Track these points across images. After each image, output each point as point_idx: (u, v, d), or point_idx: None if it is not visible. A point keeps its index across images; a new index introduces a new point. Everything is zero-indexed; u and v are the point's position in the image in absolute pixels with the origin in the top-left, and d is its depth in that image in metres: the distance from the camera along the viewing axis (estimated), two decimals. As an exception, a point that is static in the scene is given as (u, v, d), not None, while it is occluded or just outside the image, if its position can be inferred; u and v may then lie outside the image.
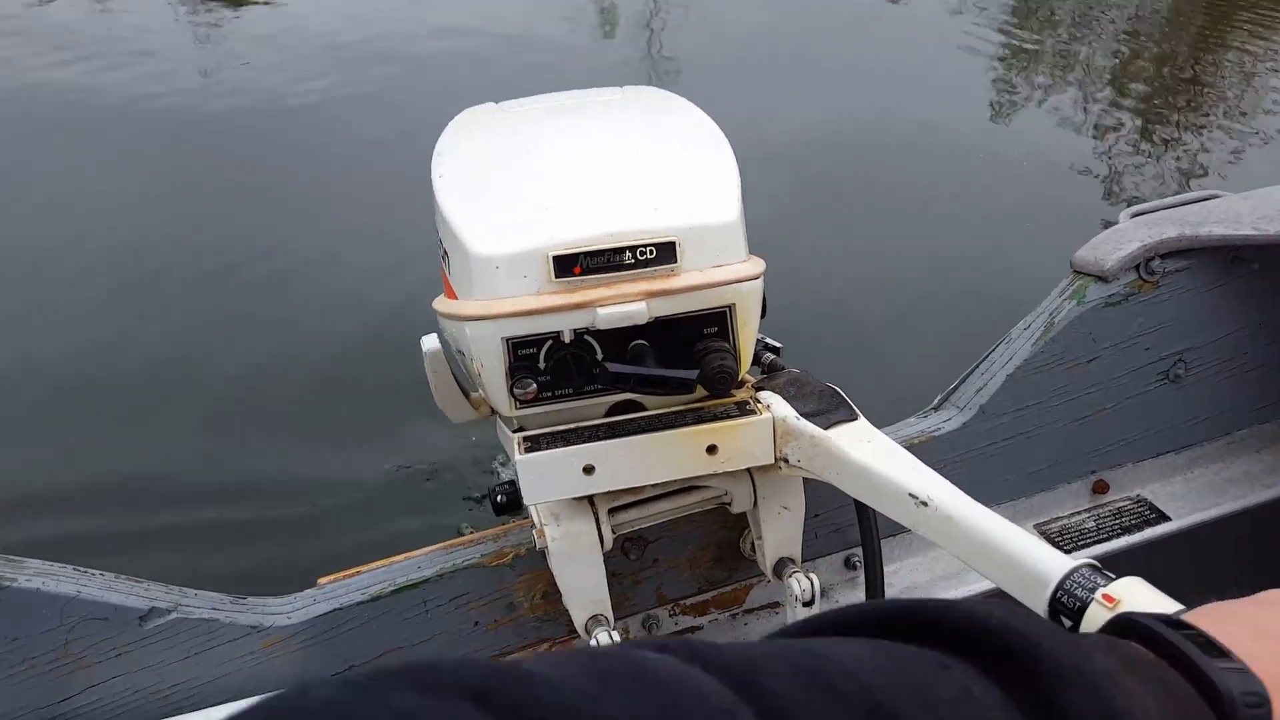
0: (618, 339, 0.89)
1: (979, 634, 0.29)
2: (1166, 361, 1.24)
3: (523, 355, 0.89)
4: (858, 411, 0.93)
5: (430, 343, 1.02)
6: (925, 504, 0.80)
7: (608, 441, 0.90)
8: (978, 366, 1.19)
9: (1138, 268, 1.17)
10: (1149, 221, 1.23)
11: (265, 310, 2.93)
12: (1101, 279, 1.17)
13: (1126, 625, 0.33)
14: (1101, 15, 6.76)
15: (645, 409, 0.94)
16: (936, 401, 1.20)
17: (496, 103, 1.11)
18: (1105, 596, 0.64)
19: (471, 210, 0.90)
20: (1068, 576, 0.67)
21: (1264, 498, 1.28)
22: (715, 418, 0.92)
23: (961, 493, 0.80)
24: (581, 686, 0.23)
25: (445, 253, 0.94)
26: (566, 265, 0.85)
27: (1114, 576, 0.65)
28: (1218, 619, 0.34)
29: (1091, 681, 0.27)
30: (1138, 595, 0.63)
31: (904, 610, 0.31)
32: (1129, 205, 1.34)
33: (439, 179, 0.96)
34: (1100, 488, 1.25)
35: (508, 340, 0.88)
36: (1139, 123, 4.78)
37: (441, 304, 0.97)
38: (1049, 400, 1.19)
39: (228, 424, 2.51)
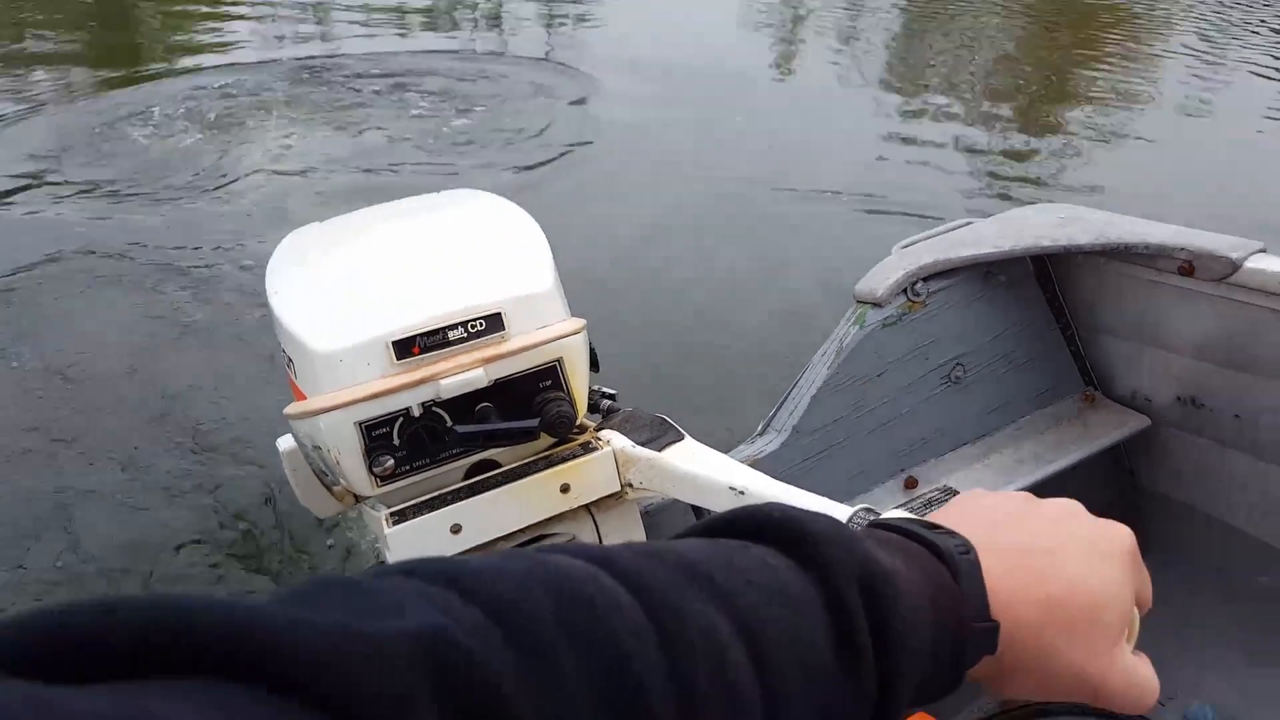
0: (464, 405, 0.98)
1: (772, 526, 0.40)
2: (946, 367, 1.45)
3: (377, 436, 0.97)
4: (684, 433, 1.06)
5: (285, 443, 1.08)
6: (743, 492, 0.93)
7: (470, 500, 0.98)
8: (789, 393, 1.35)
9: (905, 291, 1.38)
10: (913, 251, 1.44)
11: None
12: (877, 305, 1.36)
13: (880, 526, 0.46)
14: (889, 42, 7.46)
15: (501, 465, 1.04)
16: (760, 428, 1.35)
17: (320, 222, 1.21)
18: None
19: (309, 315, 0.99)
20: (850, 518, 0.81)
21: (1050, 471, 1.48)
22: (564, 460, 1.02)
23: (768, 477, 0.94)
24: (512, 573, 0.31)
25: (290, 360, 1.02)
26: (405, 347, 0.95)
27: (880, 513, 0.79)
28: (948, 514, 0.48)
29: (848, 542, 0.39)
30: (899, 516, 0.77)
31: (726, 520, 0.42)
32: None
33: (275, 295, 1.04)
34: (910, 483, 1.42)
35: (360, 424, 0.95)
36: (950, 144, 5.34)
37: (293, 408, 1.03)
38: (851, 414, 1.36)
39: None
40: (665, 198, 4.38)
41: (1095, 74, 6.56)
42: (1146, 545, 1.49)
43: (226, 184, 4.64)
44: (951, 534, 0.43)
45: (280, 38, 7.07)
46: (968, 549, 0.42)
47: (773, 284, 3.61)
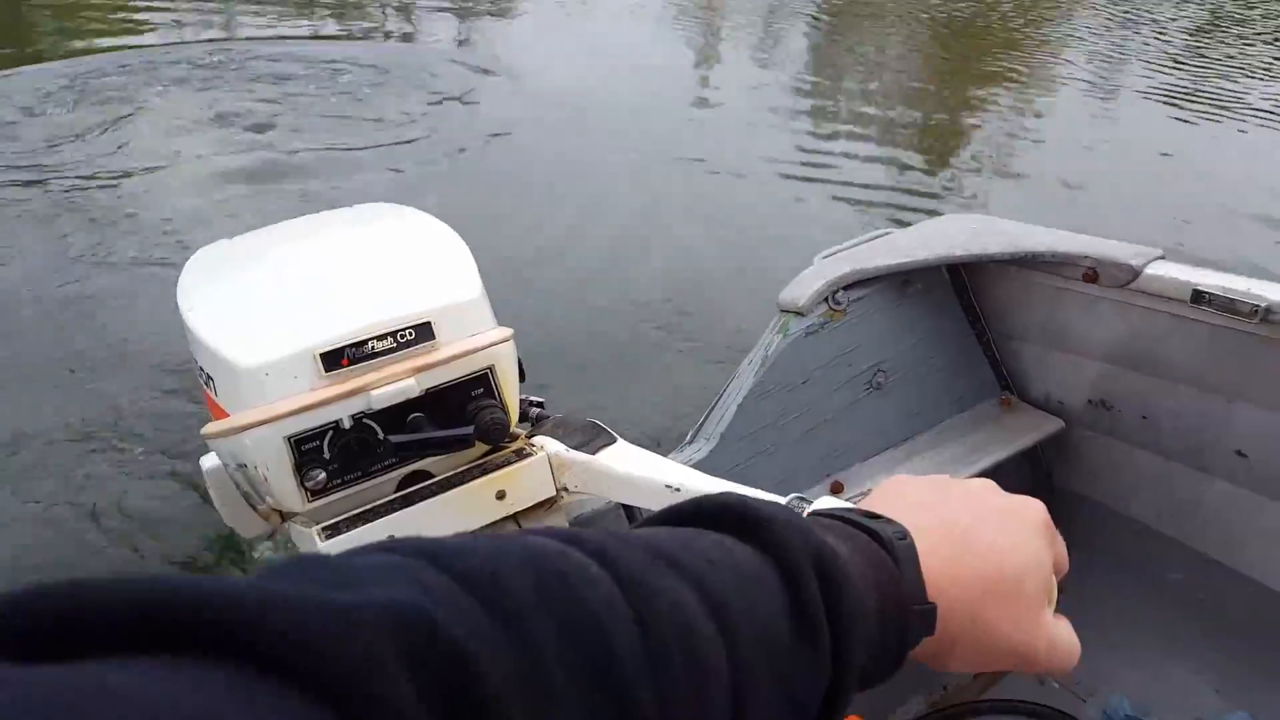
0: (397, 416, 0.98)
1: (726, 513, 0.42)
2: (867, 374, 1.49)
3: (307, 450, 0.95)
4: (616, 435, 1.07)
5: (209, 460, 1.05)
6: (678, 489, 0.94)
7: (404, 511, 0.97)
8: (717, 401, 1.38)
9: (826, 300, 1.42)
10: (833, 261, 1.48)
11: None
12: (799, 313, 1.40)
13: (825, 515, 0.47)
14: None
15: (433, 475, 1.03)
16: (690, 436, 1.37)
17: (230, 239, 1.19)
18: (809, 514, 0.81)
19: (230, 330, 0.97)
20: (786, 503, 0.83)
21: (971, 473, 1.53)
22: (498, 467, 1.02)
23: (701, 473, 0.95)
24: (486, 548, 0.32)
25: (209, 377, 1.00)
26: (334, 359, 0.94)
27: (812, 501, 0.81)
28: (873, 501, 0.50)
29: (799, 526, 0.41)
30: (832, 504, 0.79)
31: (679, 510, 0.43)
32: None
33: (190, 311, 1.02)
34: (836, 488, 1.46)
35: (289, 438, 0.94)
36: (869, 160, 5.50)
37: (213, 426, 1.01)
38: (777, 420, 1.39)
39: None
40: (568, 211, 4.40)
41: (995, 90, 6.87)
42: (1071, 546, 1.55)
43: (113, 171, 4.56)
44: (889, 521, 0.45)
45: (180, 24, 7.07)
46: (904, 535, 0.44)
47: (699, 294, 3.67)
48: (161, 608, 0.22)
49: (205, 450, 1.08)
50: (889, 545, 0.43)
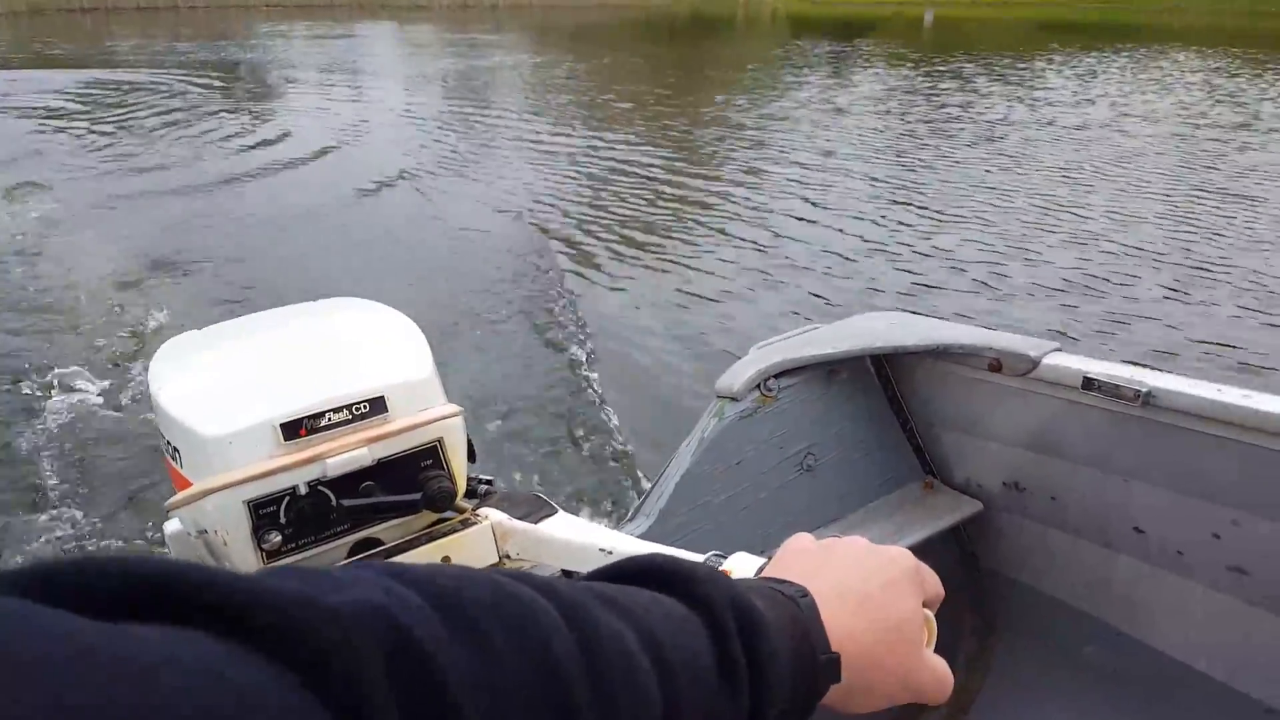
0: (350, 484, 1.06)
1: (654, 570, 0.45)
2: (798, 456, 1.59)
3: (264, 514, 1.03)
4: (557, 507, 1.15)
5: (173, 525, 1.12)
6: (610, 551, 1.02)
7: None
8: (657, 481, 1.47)
9: (758, 387, 1.53)
10: (766, 351, 1.60)
11: None
12: (734, 399, 1.51)
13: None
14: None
15: (384, 543, 1.10)
16: (630, 513, 1.45)
17: (200, 329, 1.29)
18: (724, 570, 0.89)
19: (197, 405, 1.06)
20: (704, 559, 0.91)
21: None
22: (445, 534, 1.10)
23: (632, 538, 1.04)
24: (450, 571, 0.36)
25: (175, 450, 1.07)
26: (293, 429, 1.03)
27: (727, 557, 0.89)
28: (775, 566, 0.57)
29: (721, 582, 0.45)
30: (740, 561, 0.87)
31: (610, 570, 0.47)
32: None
33: (160, 392, 1.11)
34: None
35: (248, 503, 1.01)
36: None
37: (179, 496, 1.08)
38: (713, 499, 1.48)
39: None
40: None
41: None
42: (992, 622, 1.67)
43: None
44: (793, 584, 0.51)
45: None
46: (805, 593, 0.50)
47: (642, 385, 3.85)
48: (172, 584, 0.26)
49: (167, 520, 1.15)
50: (795, 603, 0.49)
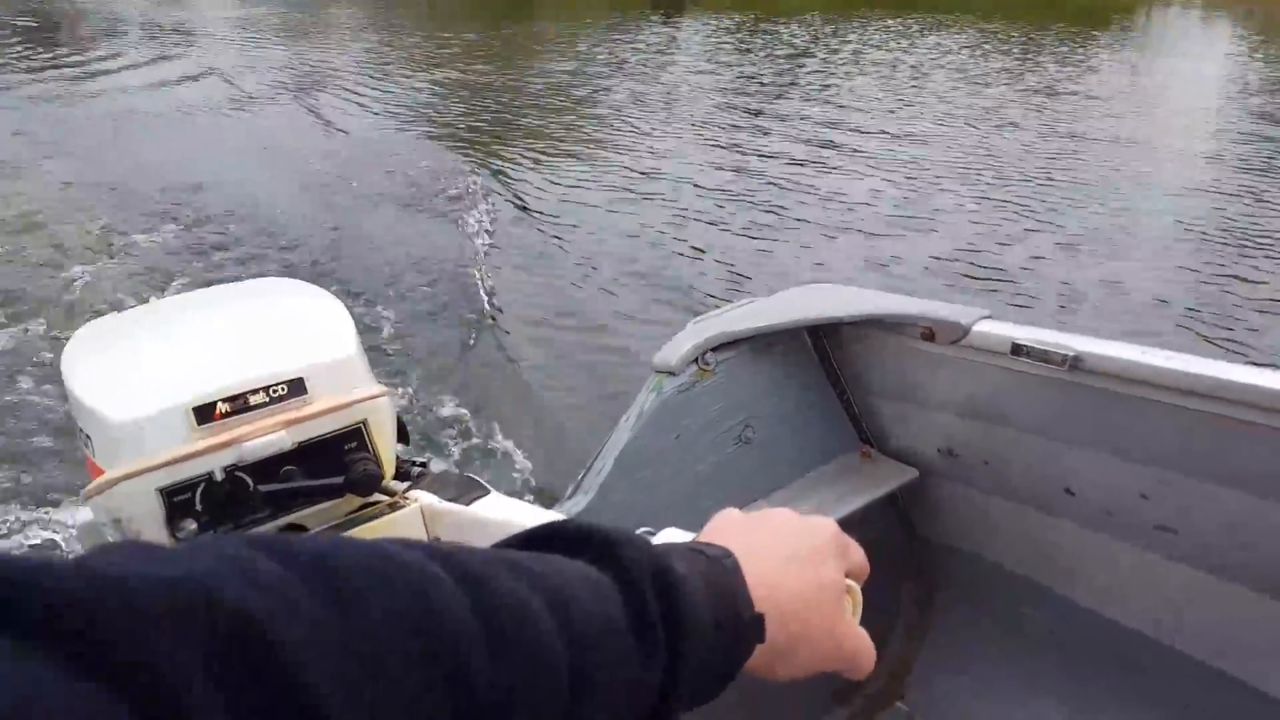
0: (270, 469, 1.03)
1: (567, 535, 0.45)
2: (736, 429, 1.59)
3: (178, 502, 0.99)
4: (490, 488, 1.13)
5: (84, 515, 1.08)
6: None
7: None
8: (595, 457, 1.45)
9: (696, 361, 1.52)
10: (703, 325, 1.60)
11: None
12: (671, 373, 1.50)
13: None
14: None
15: (309, 529, 1.07)
16: (570, 491, 1.43)
17: (118, 312, 1.24)
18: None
19: (108, 390, 1.02)
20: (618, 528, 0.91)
21: (834, 519, 1.63)
22: (372, 519, 1.08)
23: (564, 516, 1.02)
24: (323, 539, 0.34)
25: (88, 437, 1.03)
26: (206, 413, 0.99)
27: (657, 533, 0.89)
28: (707, 537, 0.56)
29: (640, 544, 0.45)
30: (673, 537, 0.86)
31: (522, 536, 0.47)
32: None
33: (72, 378, 1.06)
34: None
35: (162, 490, 0.98)
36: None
37: (93, 485, 1.04)
38: (652, 474, 1.47)
39: None
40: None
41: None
42: (931, 590, 1.68)
43: None
44: (717, 545, 0.51)
45: None
46: (729, 554, 0.50)
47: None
48: None
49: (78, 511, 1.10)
50: (718, 564, 0.49)
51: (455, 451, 3.10)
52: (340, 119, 8.61)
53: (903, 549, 1.76)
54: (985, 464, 1.62)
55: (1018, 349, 1.44)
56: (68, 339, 1.16)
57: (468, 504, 1.11)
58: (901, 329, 1.59)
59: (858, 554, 0.56)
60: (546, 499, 1.46)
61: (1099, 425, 1.40)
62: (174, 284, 4.51)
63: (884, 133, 8.22)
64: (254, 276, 4.44)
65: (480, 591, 0.35)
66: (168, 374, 1.02)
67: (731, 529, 0.55)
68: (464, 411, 3.40)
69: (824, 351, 1.74)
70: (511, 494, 1.20)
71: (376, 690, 0.30)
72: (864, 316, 1.58)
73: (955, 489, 1.70)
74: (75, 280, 4.66)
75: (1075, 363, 1.37)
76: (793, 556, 0.52)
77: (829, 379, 1.74)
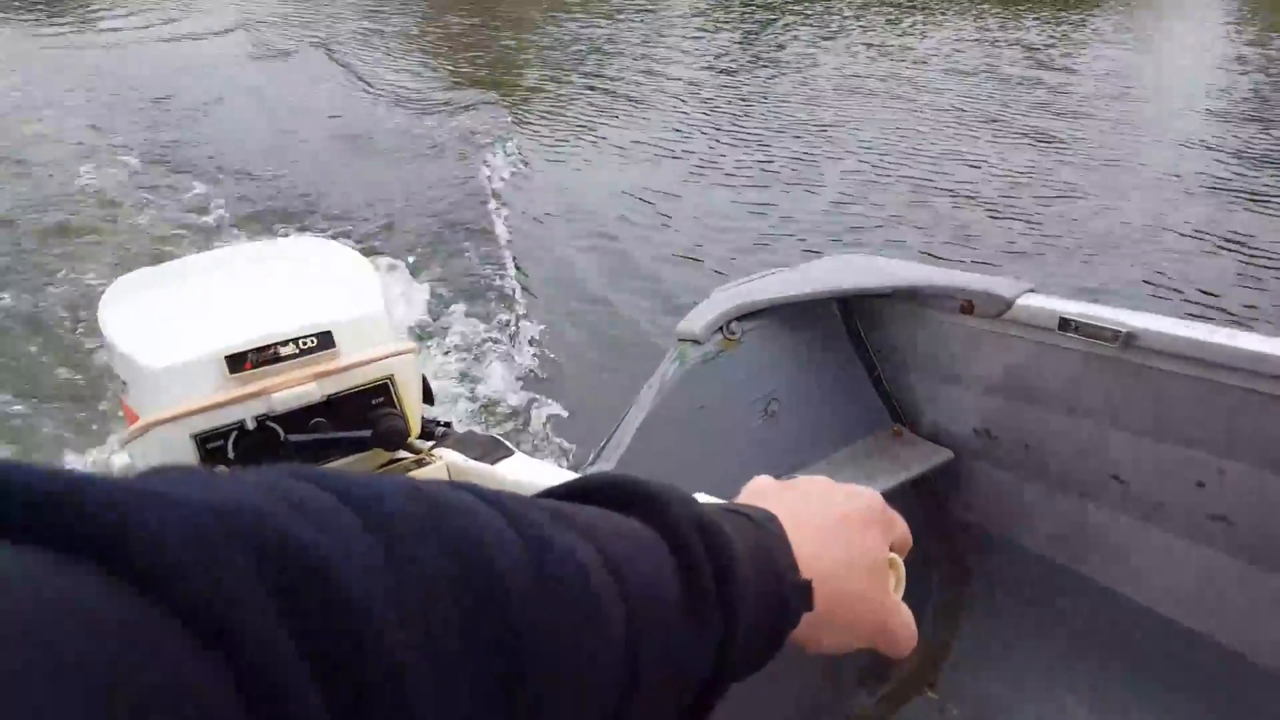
0: (299, 420, 1.05)
1: (612, 488, 0.43)
2: (761, 402, 1.58)
3: (211, 449, 1.02)
4: (514, 449, 1.15)
5: (121, 458, 1.12)
6: None
7: None
8: (618, 426, 1.45)
9: (721, 329, 1.51)
10: (728, 293, 1.58)
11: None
12: (696, 342, 1.49)
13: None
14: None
15: None
16: (591, 457, 1.43)
17: (153, 266, 1.28)
18: None
19: (144, 339, 1.06)
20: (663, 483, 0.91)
21: None
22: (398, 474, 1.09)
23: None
24: (375, 477, 0.31)
25: (124, 383, 1.07)
26: (238, 362, 1.02)
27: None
28: (747, 496, 0.54)
29: (686, 501, 0.43)
30: (708, 499, 0.87)
31: (565, 488, 0.45)
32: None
33: (108, 325, 1.10)
34: None
35: (196, 437, 1.01)
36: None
37: (128, 430, 1.08)
38: (674, 444, 1.46)
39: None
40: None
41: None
42: (964, 574, 1.63)
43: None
44: (757, 508, 0.49)
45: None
46: (773, 518, 0.47)
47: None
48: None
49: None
50: (762, 528, 0.46)
51: (475, 412, 3.13)
52: (372, 76, 8.76)
53: (934, 532, 1.72)
54: (1025, 447, 1.58)
55: (1065, 324, 1.38)
56: (102, 290, 1.20)
57: (492, 463, 1.12)
58: (938, 302, 1.55)
59: (901, 526, 0.54)
60: (567, 463, 1.46)
61: (1153, 408, 1.32)
62: (210, 240, 4.61)
63: (915, 94, 7.97)
64: (283, 230, 4.60)
65: (534, 539, 0.33)
66: (201, 324, 1.05)
67: (770, 493, 0.53)
68: (483, 371, 3.44)
69: (854, 324, 1.72)
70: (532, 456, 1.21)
71: (432, 638, 0.29)
72: (897, 288, 1.55)
73: (992, 472, 1.66)
74: (108, 230, 4.79)
75: (1128, 340, 1.30)
76: (838, 522, 0.50)
77: (859, 353, 1.72)
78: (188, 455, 1.00)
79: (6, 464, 0.22)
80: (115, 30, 10.87)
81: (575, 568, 0.34)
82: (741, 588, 0.41)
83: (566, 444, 2.81)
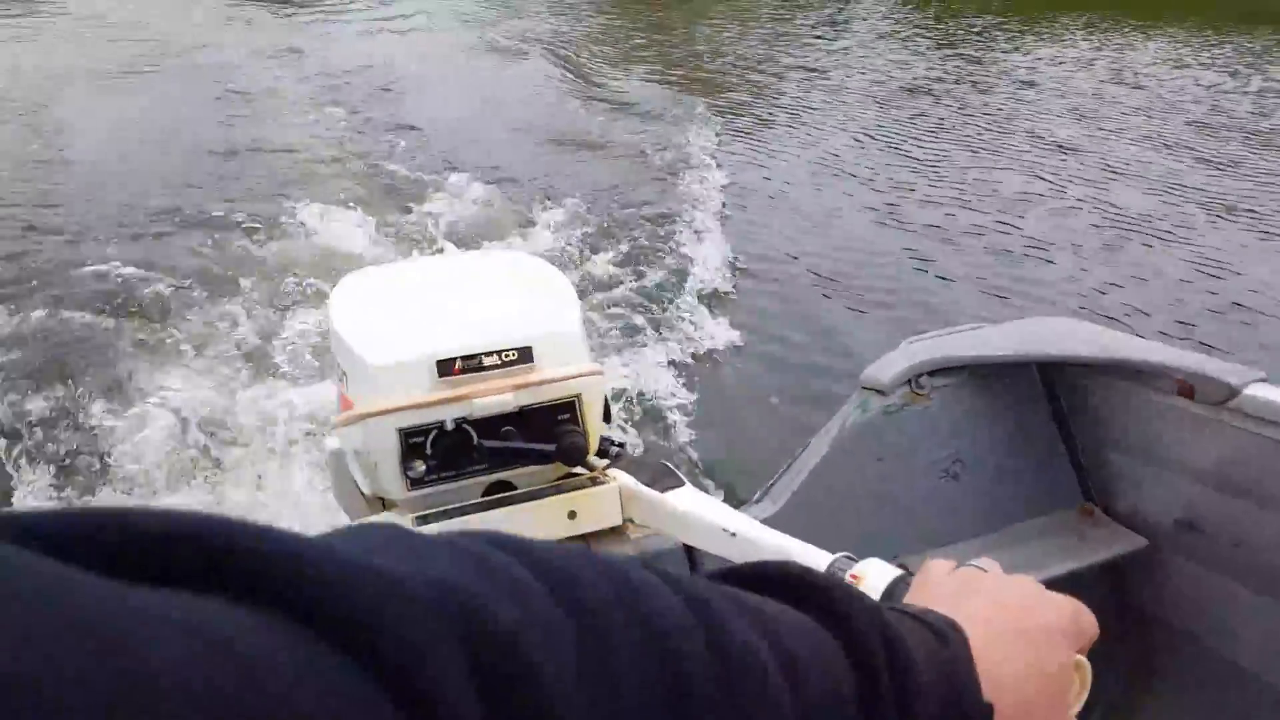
0: (492, 426, 1.12)
1: (791, 581, 0.41)
2: (944, 462, 1.52)
3: (413, 443, 1.10)
4: (684, 479, 1.17)
5: (333, 442, 1.22)
6: (734, 534, 1.02)
7: (488, 513, 1.11)
8: (789, 465, 1.44)
9: (909, 382, 1.47)
10: (921, 346, 1.54)
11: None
12: (881, 392, 1.46)
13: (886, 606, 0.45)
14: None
15: (516, 488, 1.15)
16: (758, 495, 1.43)
17: (377, 266, 1.39)
18: (852, 575, 0.87)
19: (368, 334, 1.15)
20: (832, 563, 0.90)
21: (1041, 580, 1.52)
22: (574, 489, 1.14)
23: (756, 522, 1.03)
24: (570, 551, 0.32)
25: (344, 374, 1.17)
26: (447, 367, 1.09)
27: (858, 559, 0.87)
28: (924, 591, 0.53)
29: (867, 604, 0.41)
30: (874, 568, 0.85)
31: (743, 570, 0.43)
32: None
33: (337, 319, 1.21)
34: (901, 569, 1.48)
35: (401, 431, 1.09)
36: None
37: (342, 415, 1.18)
38: (846, 493, 1.44)
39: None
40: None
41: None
42: (1146, 674, 1.52)
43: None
44: (937, 614, 0.46)
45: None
46: (955, 628, 0.44)
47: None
48: (201, 542, 0.22)
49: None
50: (943, 638, 0.43)
51: (644, 433, 3.18)
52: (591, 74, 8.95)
53: (1116, 625, 1.61)
54: (1235, 545, 1.44)
55: None
56: (313, 282, 1.33)
57: (662, 490, 1.14)
58: (1152, 380, 1.45)
59: (1091, 627, 0.51)
60: (732, 499, 1.47)
61: None
62: (433, 245, 4.87)
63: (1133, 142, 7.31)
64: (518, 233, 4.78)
65: (715, 628, 0.33)
66: (418, 327, 1.14)
67: (949, 588, 0.51)
68: (651, 391, 3.49)
69: (1054, 392, 1.63)
70: (695, 485, 1.22)
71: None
72: (1109, 360, 1.46)
73: (1191, 567, 1.53)
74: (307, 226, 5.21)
75: None
76: (1022, 632, 0.47)
77: (1055, 423, 1.63)
78: (391, 447, 1.09)
79: (249, 527, 0.23)
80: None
81: (756, 666, 0.34)
82: (920, 703, 0.39)
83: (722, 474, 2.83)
